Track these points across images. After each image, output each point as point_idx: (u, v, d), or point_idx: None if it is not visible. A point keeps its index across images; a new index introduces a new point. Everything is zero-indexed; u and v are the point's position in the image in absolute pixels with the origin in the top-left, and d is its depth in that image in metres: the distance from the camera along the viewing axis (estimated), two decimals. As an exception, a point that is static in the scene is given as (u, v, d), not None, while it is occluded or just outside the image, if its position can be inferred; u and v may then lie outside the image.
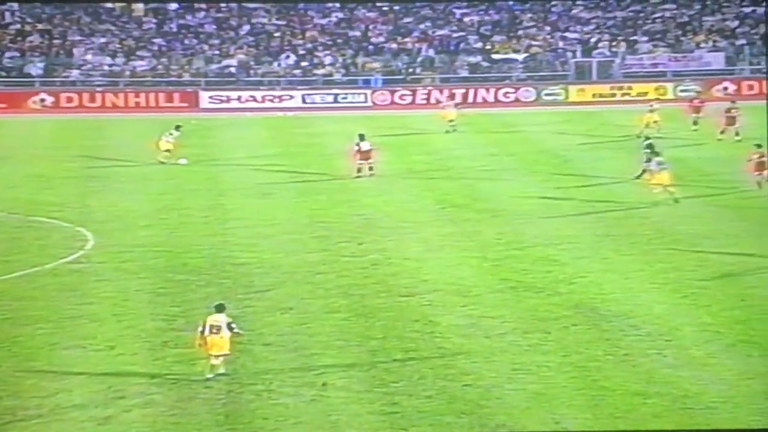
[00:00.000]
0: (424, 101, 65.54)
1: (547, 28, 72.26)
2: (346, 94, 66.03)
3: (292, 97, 65.81)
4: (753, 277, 30.80)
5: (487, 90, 66.34)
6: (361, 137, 45.67)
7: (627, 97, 65.34)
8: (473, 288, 30.39)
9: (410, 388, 23.80)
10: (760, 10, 72.37)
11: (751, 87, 65.54)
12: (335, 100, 65.64)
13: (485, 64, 69.96)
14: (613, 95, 65.59)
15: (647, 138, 46.01)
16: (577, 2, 74.19)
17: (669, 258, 32.82)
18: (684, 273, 31.35)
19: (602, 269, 31.98)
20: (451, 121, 55.24)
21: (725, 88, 65.16)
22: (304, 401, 23.23)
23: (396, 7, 74.26)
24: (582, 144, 51.52)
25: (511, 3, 74.42)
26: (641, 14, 72.83)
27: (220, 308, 24.76)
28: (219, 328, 24.29)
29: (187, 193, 42.83)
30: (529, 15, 73.43)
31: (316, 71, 69.14)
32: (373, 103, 64.01)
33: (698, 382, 23.87)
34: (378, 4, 74.37)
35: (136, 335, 27.08)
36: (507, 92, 66.26)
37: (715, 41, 69.99)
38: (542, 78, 68.29)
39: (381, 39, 71.88)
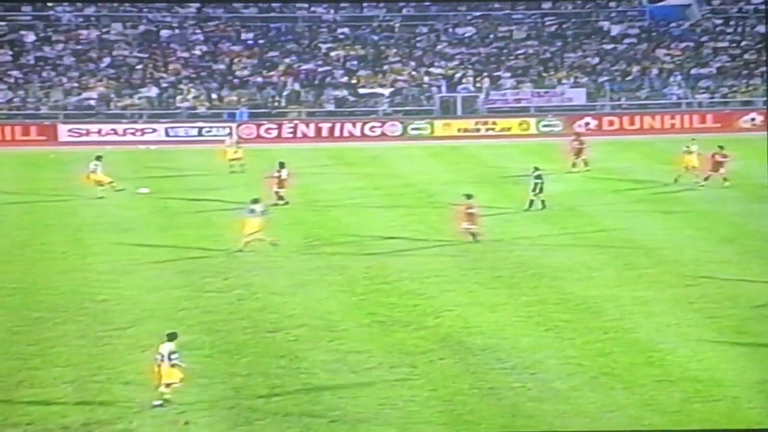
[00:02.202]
0: (291, 135, 65.35)
1: (413, 63, 72.74)
2: (211, 127, 65.44)
3: (154, 130, 64.97)
4: (615, 309, 31.16)
5: (354, 124, 66.43)
6: (281, 165, 46.24)
7: (491, 132, 66.10)
8: (340, 323, 30.14)
9: (275, 426, 23.41)
10: (621, 47, 74.01)
11: (611, 123, 66.87)
12: (200, 134, 64.99)
13: (351, 98, 70.09)
14: (478, 130, 66.27)
15: (537, 168, 46.06)
16: (442, 38, 74.90)
17: (533, 291, 33.04)
18: (548, 306, 31.57)
19: (468, 302, 32.03)
20: (233, 160, 53.44)
21: (587, 124, 66.34)
22: (166, 441, 22.66)
23: (261, 41, 73.98)
24: (447, 178, 51.76)
25: (375, 38, 74.77)
26: (504, 50, 73.84)
27: (171, 337, 24.85)
28: (162, 357, 24.40)
29: (44, 229, 41.76)
30: (395, 50, 73.85)
31: (179, 104, 68.38)
32: (239, 136, 63.42)
33: (562, 415, 23.96)
34: (242, 37, 74.04)
35: (-10, 375, 26.14)
36: (373, 126, 66.45)
37: (576, 77, 71.28)
38: (408, 112, 68.66)
39: (246, 72, 71.46)
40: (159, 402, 24.32)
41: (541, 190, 44.00)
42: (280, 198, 45.59)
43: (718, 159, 48.40)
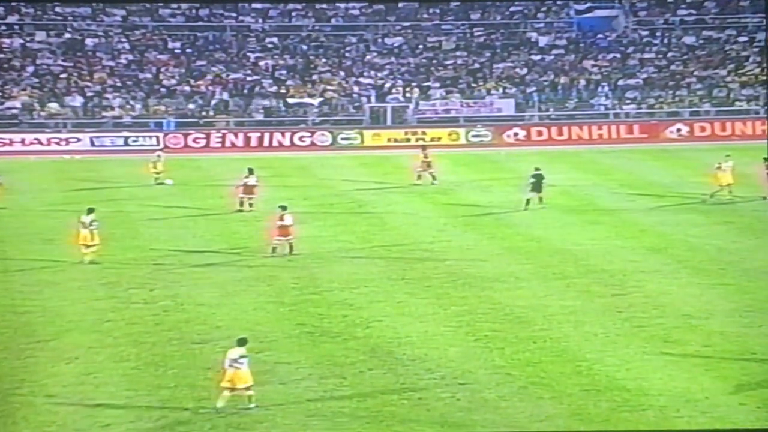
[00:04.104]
0: (219, 145, 64.90)
1: (342, 74, 72.64)
2: (137, 137, 64.78)
3: (79, 139, 64.15)
4: (544, 319, 31.20)
5: (283, 134, 66.15)
6: (250, 171, 46.40)
7: (421, 142, 65.99)
8: (269, 334, 29.86)
9: (202, 439, 23.11)
10: (548, 57, 74.52)
11: (540, 133, 67.23)
12: (126, 143, 64.31)
13: (281, 108, 69.79)
14: (408, 140, 66.25)
15: (537, 168, 46.89)
16: (371, 48, 74.90)
17: (462, 301, 33.00)
18: (477, 316, 31.54)
19: (397, 313, 31.91)
20: (159, 172, 52.47)
21: (515, 134, 66.66)
22: (90, 455, 22.27)
23: (188, 50, 73.44)
24: (377, 188, 51.67)
25: (304, 48, 74.57)
26: (434, 61, 73.99)
27: (241, 342, 25.05)
28: (234, 361, 24.61)
29: (-33, 239, 41.01)
30: (324, 60, 73.70)
31: (105, 113, 67.64)
32: (166, 146, 62.89)
33: (491, 425, 23.90)
34: (169, 46, 73.42)
35: None
36: (303, 136, 66.21)
37: (505, 88, 71.61)
38: (338, 122, 68.52)
39: (173, 81, 70.89)
40: (221, 405, 24.47)
41: (540, 189, 45.53)
42: (247, 205, 45.18)
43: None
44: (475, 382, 26.28)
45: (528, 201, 45.77)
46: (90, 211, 38.15)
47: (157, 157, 53.72)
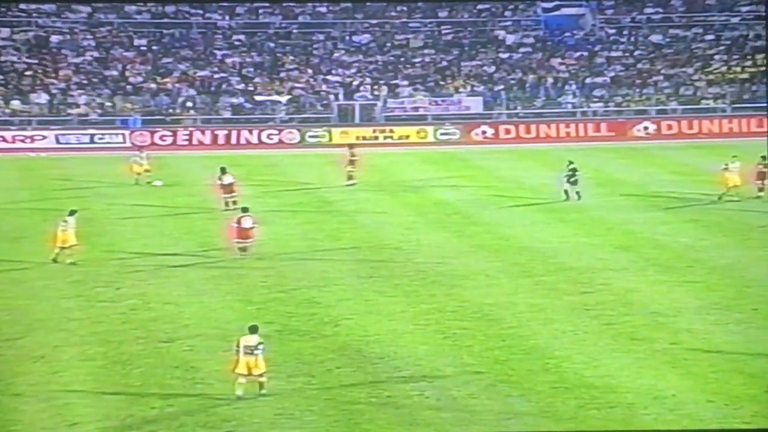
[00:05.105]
0: (186, 142, 64.64)
1: (310, 71, 72.48)
2: (103, 134, 64.43)
3: (45, 137, 63.71)
4: (512, 317, 31.21)
5: (251, 131, 65.95)
6: (223, 170, 46.09)
7: (389, 140, 66.12)
8: (237, 332, 29.60)
9: (169, 438, 22.98)
10: (516, 55, 74.64)
11: (508, 131, 67.32)
12: (92, 141, 63.92)
13: (248, 105, 69.57)
14: (376, 138, 66.20)
15: (571, 162, 47.73)
16: (339, 46, 74.80)
17: (431, 299, 32.97)
18: (446, 314, 31.52)
19: (366, 311, 31.85)
20: (139, 173, 51.68)
21: (483, 132, 66.72)
22: (56, 455, 22.11)
23: (155, 48, 73.08)
24: (345, 185, 51.54)
25: (272, 45, 74.36)
26: (402, 59, 73.96)
27: (253, 329, 25.46)
28: (253, 348, 24.95)
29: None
30: (291, 57, 73.51)
31: (70, 111, 67.20)
32: (132, 143, 62.56)
33: (459, 423, 23.89)
34: (135, 43, 73.05)
35: None
36: (270, 134, 66.03)
37: (473, 86, 71.65)
38: (306, 120, 68.36)
39: (139, 79, 70.53)
40: (241, 393, 24.77)
41: (576, 182, 46.54)
42: (231, 204, 44.81)
43: (761, 170, 46.85)
44: (444, 380, 26.26)
45: (567, 193, 46.70)
46: (72, 212, 37.76)
47: (140, 158, 52.96)
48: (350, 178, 51.24)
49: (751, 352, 27.89)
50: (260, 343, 25.27)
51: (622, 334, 29.52)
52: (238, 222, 38.03)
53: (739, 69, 72.60)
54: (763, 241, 39.62)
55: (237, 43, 74.32)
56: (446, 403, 24.93)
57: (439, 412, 24.41)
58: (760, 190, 46.79)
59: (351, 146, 53.85)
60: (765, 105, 69.42)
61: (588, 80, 72.38)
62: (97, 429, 23.44)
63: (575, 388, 25.65)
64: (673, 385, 25.78)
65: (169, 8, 74.34)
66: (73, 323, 30.60)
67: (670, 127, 67.59)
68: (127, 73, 70.74)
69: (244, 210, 38.72)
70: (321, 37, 75.26)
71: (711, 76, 72.22)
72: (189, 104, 68.61)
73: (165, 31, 74.07)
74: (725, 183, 46.92)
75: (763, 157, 47.28)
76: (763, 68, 72.29)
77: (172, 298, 33.04)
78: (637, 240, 40.23)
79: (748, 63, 72.97)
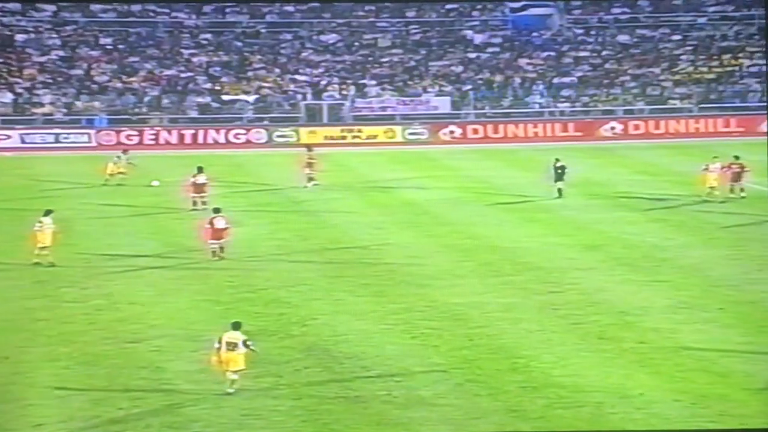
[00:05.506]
0: (153, 142, 64.34)
1: (277, 70, 72.29)
2: (69, 134, 64.02)
3: (9, 136, 63.27)
4: (481, 316, 31.17)
5: (218, 131, 65.72)
6: (200, 169, 45.88)
7: (357, 140, 66.05)
8: (204, 332, 29.48)
9: (136, 439, 22.81)
10: (484, 55, 74.70)
11: (476, 131, 67.37)
12: (56, 140, 63.51)
13: (215, 104, 69.31)
14: (344, 137, 66.14)
15: (558, 159, 47.93)
16: (307, 45, 74.64)
17: (400, 298, 32.90)
18: (414, 313, 31.46)
19: (335, 310, 31.74)
20: (112, 174, 51.29)
21: (452, 132, 66.75)
22: (20, 457, 21.91)
23: (120, 46, 72.69)
24: (305, 187, 51.33)
25: (239, 44, 74.13)
26: (370, 58, 73.89)
27: (236, 326, 25.60)
28: (235, 345, 25.03)
29: None
30: (259, 57, 73.30)
31: (35, 110, 66.72)
32: (98, 143, 62.26)
33: (427, 422, 23.83)
34: (101, 42, 72.60)
35: None
36: (238, 134, 65.83)
37: (441, 86, 71.67)
38: (273, 120, 68.17)
39: (105, 78, 70.11)
40: (233, 390, 24.89)
41: (563, 179, 47.04)
42: (200, 204, 44.66)
43: (735, 170, 46.82)
44: (412, 380, 26.19)
45: (560, 191, 47.06)
46: (47, 212, 37.40)
47: (118, 158, 52.52)
48: (310, 179, 50.94)
49: (718, 350, 27.97)
50: (247, 340, 25.37)
51: (590, 334, 29.54)
52: (211, 223, 37.71)
53: (705, 69, 72.98)
54: (729, 241, 39.80)
55: (204, 42, 74.06)
56: (414, 402, 24.87)
57: (407, 412, 24.35)
58: (731, 191, 46.87)
59: (309, 147, 53.50)
60: (732, 105, 69.96)
61: (555, 80, 72.55)
62: (62, 430, 23.26)
63: (543, 388, 25.63)
64: (641, 384, 25.81)
65: (135, 7, 73.97)
66: (38, 324, 30.35)
67: (637, 127, 67.84)
68: (92, 72, 70.35)
69: (216, 210, 38.38)
70: (289, 36, 75.09)
71: (678, 77, 72.56)
72: (155, 103, 68.20)
73: (131, 30, 73.72)
74: (706, 183, 46.81)
75: (736, 157, 47.47)
76: (729, 68, 72.72)
77: (138, 299, 32.83)
78: (605, 239, 40.30)
79: (715, 63, 73.37)
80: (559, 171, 47.48)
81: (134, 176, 52.45)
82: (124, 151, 54.21)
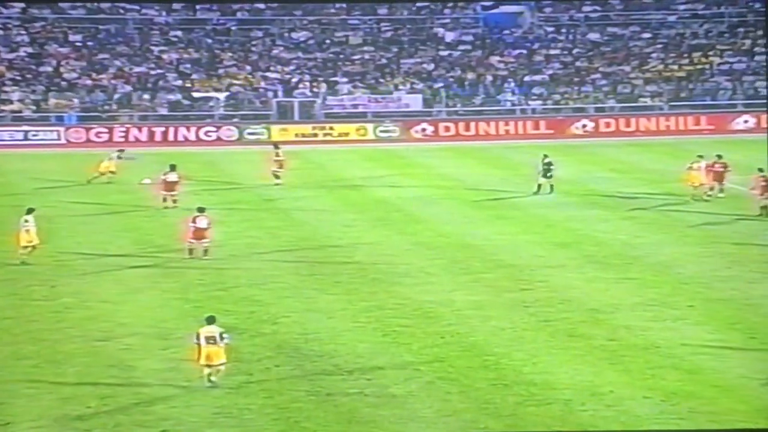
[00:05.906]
0: (122, 139, 64.05)
1: (248, 68, 72.10)
2: (37, 131, 63.66)
3: (-23, 134, 62.99)
4: (452, 314, 31.18)
5: (188, 128, 65.52)
6: (172, 167, 45.52)
7: (329, 137, 66.00)
8: (174, 330, 29.41)
9: (105, 437, 22.68)
10: (455, 53, 74.76)
11: (447, 129, 67.42)
12: (25, 138, 63.15)
13: (185, 102, 69.05)
14: (316, 135, 66.06)
15: (546, 155, 47.90)
16: (278, 42, 74.47)
17: (371, 296, 32.87)
18: (386, 311, 31.43)
19: (306, 308, 31.67)
20: (102, 173, 50.97)
21: (423, 130, 66.76)
22: (-12, 456, 21.75)
23: (90, 43, 72.30)
24: (285, 183, 51.15)
25: (210, 41, 73.87)
26: (341, 56, 73.81)
27: (211, 320, 25.72)
28: (214, 339, 25.24)
29: None
30: (230, 54, 73.08)
31: (3, 107, 66.29)
32: (67, 140, 61.98)
33: (398, 420, 23.80)
34: (70, 39, 72.20)
35: None
36: (208, 131, 65.66)
37: (412, 83, 71.66)
38: (244, 117, 67.99)
39: (74, 75, 69.73)
40: (209, 384, 25.05)
41: (551, 176, 47.20)
42: (170, 201, 44.47)
43: (718, 169, 46.64)
44: (383, 378, 26.15)
45: (539, 186, 47.08)
46: (29, 211, 37.05)
47: (118, 158, 52.14)
48: (276, 177, 50.74)
49: (688, 348, 28.06)
50: (224, 333, 25.46)
51: (560, 331, 29.58)
52: (194, 221, 37.44)
53: (676, 67, 73.29)
54: (700, 239, 39.96)
55: (174, 39, 73.78)
56: (385, 400, 24.83)
57: (378, 410, 24.31)
58: (712, 189, 46.83)
59: (276, 145, 53.35)
60: (702, 103, 70.28)
61: (527, 78, 72.68)
62: (31, 428, 23.09)
63: (514, 385, 25.65)
64: (611, 381, 25.86)
65: (105, 4, 73.62)
66: (5, 321, 30.14)
67: (608, 124, 68.07)
68: (61, 69, 69.97)
69: (200, 210, 37.96)
70: (259, 33, 74.92)
71: (648, 75, 72.83)
72: (125, 101, 67.89)
73: (100, 27, 73.35)
74: (691, 182, 46.68)
75: (719, 156, 47.55)
76: (699, 66, 73.03)
77: (107, 296, 32.67)
78: (576, 237, 40.39)
79: (685, 61, 73.67)
80: (545, 167, 47.52)
81: (123, 176, 51.98)
82: (121, 150, 54.01)
